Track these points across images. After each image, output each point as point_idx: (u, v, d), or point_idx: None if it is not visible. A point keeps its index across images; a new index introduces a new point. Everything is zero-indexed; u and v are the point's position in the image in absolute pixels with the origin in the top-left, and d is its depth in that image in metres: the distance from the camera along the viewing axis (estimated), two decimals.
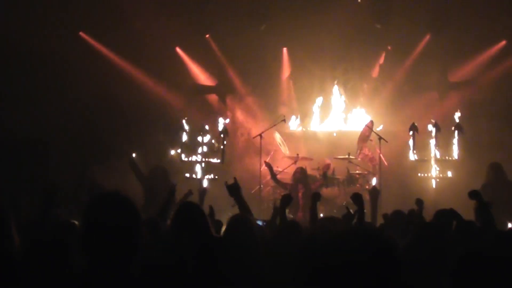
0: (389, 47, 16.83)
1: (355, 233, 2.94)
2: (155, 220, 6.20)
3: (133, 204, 3.40)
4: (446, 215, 7.05)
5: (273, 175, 13.85)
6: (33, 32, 14.34)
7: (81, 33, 16.06)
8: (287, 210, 12.87)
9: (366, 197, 11.27)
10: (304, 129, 16.82)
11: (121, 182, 12.14)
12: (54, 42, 14.60)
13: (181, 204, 6.01)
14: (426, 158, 14.28)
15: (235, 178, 6.99)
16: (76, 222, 6.45)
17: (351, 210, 7.64)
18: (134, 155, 12.80)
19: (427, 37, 16.44)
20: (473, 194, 7.36)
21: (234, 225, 5.32)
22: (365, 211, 12.19)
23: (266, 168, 13.93)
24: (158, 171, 12.42)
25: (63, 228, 5.91)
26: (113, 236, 3.26)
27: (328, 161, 14.20)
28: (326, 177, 13.68)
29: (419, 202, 8.58)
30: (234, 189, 6.75)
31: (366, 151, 14.73)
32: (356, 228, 3.00)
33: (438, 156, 14.18)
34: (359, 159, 14.65)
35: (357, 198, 7.33)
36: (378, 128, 15.35)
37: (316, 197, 8.15)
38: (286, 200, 7.30)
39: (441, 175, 14.24)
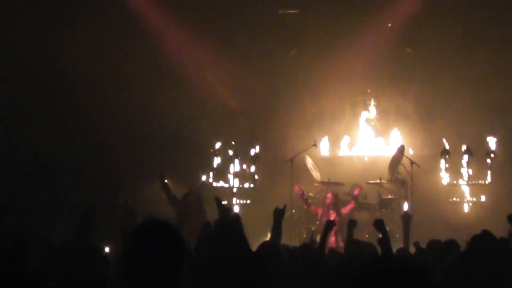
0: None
1: (386, 261, 2.89)
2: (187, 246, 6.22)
3: (180, 235, 3.42)
4: (481, 240, 6.98)
5: (305, 200, 13.85)
6: (67, 55, 14.57)
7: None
8: (318, 236, 12.88)
9: (399, 222, 11.25)
10: (335, 154, 16.78)
11: (153, 207, 12.20)
12: (86, 67, 14.82)
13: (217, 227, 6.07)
14: (458, 182, 14.17)
15: (285, 205, 7.14)
16: (107, 249, 6.49)
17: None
18: (166, 180, 12.87)
19: (458, 60, 16.34)
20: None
21: (264, 251, 5.31)
22: (397, 235, 12.23)
23: (297, 192, 13.92)
24: (191, 196, 12.46)
25: (96, 255, 5.94)
26: (160, 264, 3.28)
27: (359, 185, 14.15)
28: (358, 200, 13.65)
29: None
30: (280, 214, 6.88)
31: (397, 175, 14.66)
32: (387, 256, 2.92)
33: (470, 180, 14.07)
34: (390, 183, 14.58)
35: (379, 224, 7.16)
36: (409, 152, 15.27)
37: (352, 224, 8.16)
38: (330, 226, 7.31)
39: (473, 199, 14.12)
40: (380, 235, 7.02)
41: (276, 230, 6.77)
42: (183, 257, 3.37)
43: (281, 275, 5.07)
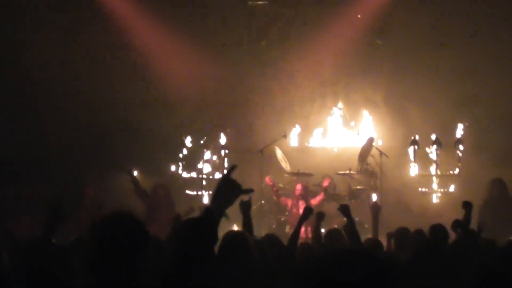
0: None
1: (347, 255, 2.88)
2: (157, 240, 6.17)
3: (142, 225, 3.45)
4: (441, 230, 7.06)
5: (275, 191, 13.86)
6: (29, 49, 14.44)
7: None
8: (287, 227, 12.91)
9: (368, 212, 11.31)
10: (305, 145, 16.78)
11: (122, 199, 12.12)
12: (48, 60, 14.70)
13: (184, 221, 5.99)
14: (427, 173, 14.27)
15: (250, 196, 7.05)
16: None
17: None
18: (135, 172, 12.81)
19: (428, 51, 16.40)
20: (465, 205, 7.46)
21: (229, 241, 5.22)
22: (366, 226, 12.30)
23: (267, 183, 13.92)
24: (160, 188, 12.42)
25: (68, 248, 5.90)
26: (122, 256, 3.30)
27: (329, 176, 14.19)
28: (327, 191, 13.70)
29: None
30: (246, 207, 6.80)
31: (367, 166, 14.70)
32: (349, 249, 2.92)
33: (439, 171, 14.17)
34: (360, 174, 14.61)
35: (344, 210, 7.20)
36: (379, 143, 15.33)
37: (320, 216, 8.14)
38: (308, 213, 7.30)
39: (442, 190, 14.22)
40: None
41: (247, 223, 6.72)
42: (146, 250, 3.40)
43: (250, 266, 5.04)
